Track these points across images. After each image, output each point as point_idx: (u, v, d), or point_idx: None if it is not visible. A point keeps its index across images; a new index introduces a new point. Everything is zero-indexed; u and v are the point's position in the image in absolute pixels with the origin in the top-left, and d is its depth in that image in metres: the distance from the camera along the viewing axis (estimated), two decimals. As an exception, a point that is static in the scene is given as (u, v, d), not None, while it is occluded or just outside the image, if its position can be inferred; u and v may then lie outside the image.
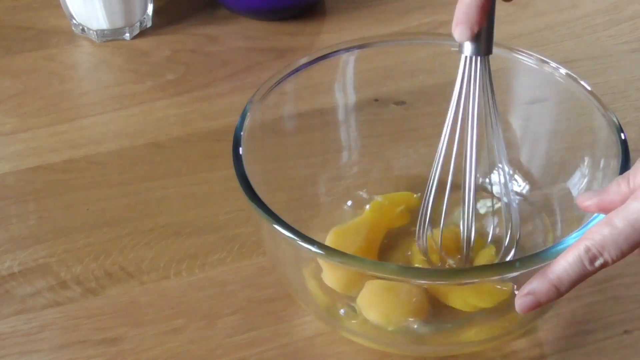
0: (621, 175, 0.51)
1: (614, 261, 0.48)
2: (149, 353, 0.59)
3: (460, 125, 0.57)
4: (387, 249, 0.62)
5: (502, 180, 0.60)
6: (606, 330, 0.60)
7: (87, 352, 0.59)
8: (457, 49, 0.56)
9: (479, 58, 0.56)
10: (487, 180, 0.65)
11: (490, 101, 0.57)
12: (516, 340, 0.59)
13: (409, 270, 0.54)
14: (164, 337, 0.60)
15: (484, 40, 0.56)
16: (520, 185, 0.66)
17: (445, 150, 0.57)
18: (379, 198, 0.64)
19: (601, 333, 0.60)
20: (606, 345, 0.60)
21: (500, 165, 0.59)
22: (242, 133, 0.58)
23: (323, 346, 0.60)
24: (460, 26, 0.55)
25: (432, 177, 0.58)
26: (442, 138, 0.57)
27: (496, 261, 0.59)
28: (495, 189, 0.64)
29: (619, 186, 0.50)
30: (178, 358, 0.59)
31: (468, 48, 0.56)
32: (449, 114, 0.57)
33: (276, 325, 0.61)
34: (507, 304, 0.55)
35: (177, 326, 0.61)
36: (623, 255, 0.48)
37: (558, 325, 0.61)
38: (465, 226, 0.58)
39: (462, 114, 0.56)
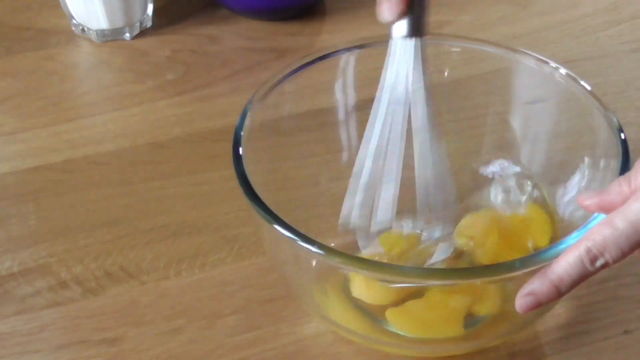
0: (622, 176, 0.51)
1: (614, 261, 0.48)
2: (149, 353, 0.59)
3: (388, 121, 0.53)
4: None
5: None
6: (606, 330, 0.60)
7: (87, 352, 0.59)
8: (401, 36, 0.52)
9: (410, 40, 0.52)
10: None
11: (423, 89, 0.53)
12: (516, 341, 0.59)
13: (409, 270, 0.54)
14: (164, 337, 0.60)
15: (415, 19, 0.52)
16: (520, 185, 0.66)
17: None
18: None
19: (601, 333, 0.60)
20: (606, 345, 0.60)
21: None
22: (242, 133, 0.58)
23: (323, 346, 0.60)
24: (384, 3, 0.51)
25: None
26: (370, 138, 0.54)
27: None
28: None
29: (620, 186, 0.50)
30: (178, 358, 0.59)
31: (397, 29, 0.52)
32: (376, 106, 0.53)
33: (276, 325, 0.61)
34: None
35: (177, 326, 0.61)
36: (624, 255, 0.48)
37: (558, 325, 0.61)
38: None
39: (392, 106, 0.53)
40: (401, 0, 0.51)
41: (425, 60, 0.53)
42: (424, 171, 0.54)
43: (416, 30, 0.52)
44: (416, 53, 0.53)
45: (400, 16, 0.52)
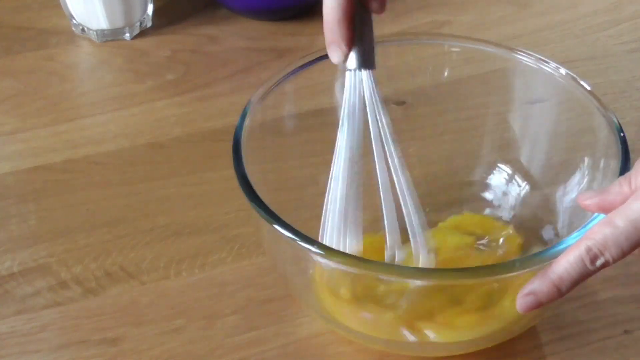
0: (622, 176, 0.51)
1: (614, 261, 0.48)
2: (149, 353, 0.59)
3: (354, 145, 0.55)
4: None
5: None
6: (606, 330, 0.60)
7: (87, 352, 0.59)
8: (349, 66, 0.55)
9: (363, 72, 0.55)
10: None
11: (381, 117, 0.55)
12: (516, 341, 0.59)
13: (408, 269, 0.54)
14: (164, 337, 0.60)
15: (362, 54, 0.55)
16: (520, 185, 0.66)
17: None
18: None
19: (601, 333, 0.60)
20: (606, 345, 0.60)
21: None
22: (242, 133, 0.58)
23: (323, 346, 0.60)
24: (331, 46, 0.55)
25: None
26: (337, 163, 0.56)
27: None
28: None
29: (620, 186, 0.50)
30: (178, 358, 0.59)
31: (350, 62, 0.55)
32: (340, 135, 0.55)
33: (276, 325, 0.61)
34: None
35: (177, 326, 0.61)
36: (624, 255, 0.48)
37: (558, 325, 0.61)
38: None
39: (354, 133, 0.55)
40: (343, 43, 0.54)
41: (376, 88, 0.55)
42: (388, 196, 0.56)
43: (364, 63, 0.55)
44: (368, 83, 0.55)
45: (346, 57, 0.55)
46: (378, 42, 0.59)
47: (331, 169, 0.56)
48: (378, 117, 0.55)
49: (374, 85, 0.55)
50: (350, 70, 0.55)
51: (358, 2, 0.55)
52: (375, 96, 0.55)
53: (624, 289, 0.63)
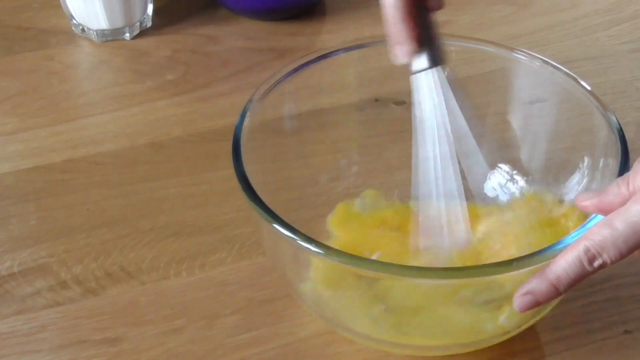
0: (621, 177, 0.51)
1: (612, 262, 0.48)
2: (149, 353, 0.59)
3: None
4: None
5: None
6: (606, 330, 0.60)
7: (87, 352, 0.59)
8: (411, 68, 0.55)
9: (431, 71, 0.55)
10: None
11: (458, 110, 0.55)
12: (516, 341, 0.59)
13: (408, 270, 0.54)
14: (164, 337, 0.60)
15: (429, 51, 0.54)
16: (520, 184, 0.66)
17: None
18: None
19: (601, 333, 0.60)
20: (606, 345, 0.60)
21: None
22: (241, 132, 0.58)
23: (323, 346, 0.60)
24: (396, 47, 0.54)
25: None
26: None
27: None
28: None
29: (618, 188, 0.50)
30: (178, 358, 0.59)
31: (420, 62, 0.54)
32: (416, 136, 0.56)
33: (276, 325, 0.61)
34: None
35: (177, 326, 0.61)
36: (622, 256, 0.48)
37: (558, 325, 0.61)
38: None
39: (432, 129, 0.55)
40: (410, 41, 0.53)
41: (453, 85, 0.55)
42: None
43: (434, 61, 0.54)
44: (442, 80, 0.55)
45: (414, 55, 0.54)
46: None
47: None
48: (455, 110, 0.55)
49: (448, 79, 0.55)
50: (419, 70, 0.55)
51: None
52: (452, 89, 0.55)
53: (624, 289, 0.63)
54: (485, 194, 0.65)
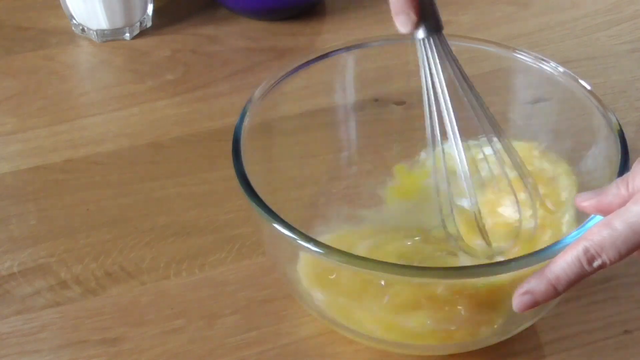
0: (620, 178, 0.51)
1: (611, 263, 0.48)
2: (149, 353, 0.59)
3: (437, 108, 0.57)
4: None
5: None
6: (606, 330, 0.60)
7: (87, 352, 0.59)
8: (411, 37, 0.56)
9: (432, 38, 0.56)
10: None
11: (460, 75, 0.57)
12: (516, 341, 0.59)
13: (407, 269, 0.54)
14: (164, 337, 0.60)
15: (430, 19, 0.56)
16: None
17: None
18: None
19: (601, 333, 0.60)
20: (606, 345, 0.60)
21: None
22: (241, 132, 0.58)
23: (323, 346, 0.60)
24: (399, 16, 0.55)
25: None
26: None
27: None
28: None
29: (618, 189, 0.50)
30: (178, 358, 0.59)
31: (420, 31, 0.56)
32: (426, 104, 0.57)
33: (276, 325, 0.61)
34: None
35: (177, 326, 0.61)
36: (621, 257, 0.48)
37: (558, 325, 0.61)
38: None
39: (435, 96, 0.57)
40: (412, 12, 0.55)
41: (449, 50, 0.57)
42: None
43: (433, 29, 0.56)
44: (442, 47, 0.57)
45: (416, 26, 0.56)
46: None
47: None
48: (459, 74, 0.57)
49: (448, 47, 0.57)
50: (420, 38, 0.56)
51: None
52: (450, 58, 0.57)
53: (624, 289, 0.63)
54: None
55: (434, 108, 0.57)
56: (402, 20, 0.55)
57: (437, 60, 0.56)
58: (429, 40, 0.56)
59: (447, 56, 0.57)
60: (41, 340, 0.60)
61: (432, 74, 0.57)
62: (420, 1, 0.55)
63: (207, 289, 0.63)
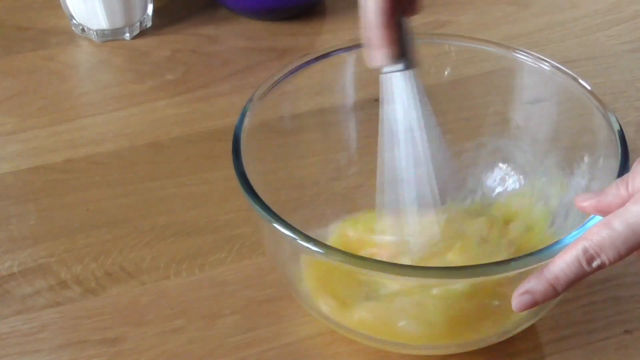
0: (620, 178, 0.51)
1: (611, 263, 0.48)
2: (149, 353, 0.59)
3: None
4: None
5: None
6: (606, 330, 0.60)
7: (87, 352, 0.59)
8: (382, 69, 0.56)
9: (405, 73, 0.56)
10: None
11: (425, 113, 0.57)
12: (516, 341, 0.59)
13: (406, 269, 0.54)
14: (164, 337, 0.60)
15: (404, 55, 0.56)
16: (519, 184, 0.66)
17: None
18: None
19: (601, 333, 0.60)
20: (606, 345, 0.60)
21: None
22: (241, 131, 0.58)
23: (323, 346, 0.60)
24: (376, 52, 0.55)
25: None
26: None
27: None
28: None
29: (617, 189, 0.50)
30: (178, 358, 0.59)
31: (393, 66, 0.56)
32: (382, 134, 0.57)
33: (276, 325, 0.61)
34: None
35: (177, 326, 0.61)
36: (620, 257, 0.48)
37: (558, 325, 0.61)
38: None
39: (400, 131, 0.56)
40: (390, 45, 0.55)
41: (422, 88, 0.56)
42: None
43: (410, 63, 0.56)
44: (415, 83, 0.56)
45: (394, 60, 0.55)
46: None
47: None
48: (425, 112, 0.56)
49: (419, 83, 0.56)
50: (392, 72, 0.56)
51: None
52: (422, 93, 0.56)
53: (623, 289, 0.63)
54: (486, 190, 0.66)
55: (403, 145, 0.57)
56: (379, 55, 0.55)
57: (413, 95, 0.56)
58: (402, 75, 0.56)
59: (421, 93, 0.56)
60: (41, 340, 0.60)
61: (402, 109, 0.56)
62: (400, 36, 0.55)
63: (207, 289, 0.63)
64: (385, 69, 0.56)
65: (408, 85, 0.56)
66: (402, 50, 0.55)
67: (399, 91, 0.56)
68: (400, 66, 0.56)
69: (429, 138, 0.56)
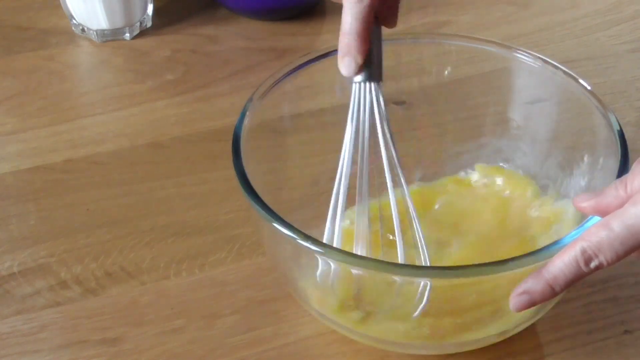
0: (619, 179, 0.51)
1: (609, 264, 0.48)
2: (149, 353, 0.59)
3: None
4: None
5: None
6: (606, 330, 0.60)
7: (87, 352, 0.59)
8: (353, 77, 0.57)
9: (371, 84, 0.56)
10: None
11: (385, 128, 0.57)
12: (516, 341, 0.59)
13: (406, 268, 0.54)
14: (164, 337, 0.60)
15: (372, 67, 0.56)
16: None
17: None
18: None
19: (601, 333, 0.60)
20: (606, 345, 0.60)
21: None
22: (241, 131, 0.58)
23: (323, 346, 0.60)
24: (345, 58, 0.55)
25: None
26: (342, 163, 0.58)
27: None
28: None
29: (616, 190, 0.50)
30: (178, 358, 0.59)
31: (360, 75, 0.56)
32: (345, 142, 0.57)
33: (276, 325, 0.61)
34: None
35: (177, 326, 0.61)
36: (618, 258, 0.48)
37: (558, 325, 0.61)
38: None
39: (358, 142, 0.57)
40: (360, 56, 0.55)
41: (382, 100, 0.57)
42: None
43: (375, 76, 0.57)
44: (375, 95, 0.57)
45: (359, 71, 0.56)
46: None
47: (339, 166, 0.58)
48: (382, 127, 0.57)
49: (381, 97, 0.57)
50: (357, 82, 0.56)
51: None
52: (381, 107, 0.57)
53: (623, 289, 0.63)
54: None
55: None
56: (347, 62, 0.55)
57: (370, 106, 0.56)
58: (365, 85, 0.56)
59: (379, 107, 0.57)
60: (41, 340, 0.60)
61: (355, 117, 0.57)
62: (370, 48, 0.55)
63: (207, 289, 0.63)
64: (352, 78, 0.57)
65: (368, 96, 0.56)
66: (370, 62, 0.56)
67: (357, 100, 0.57)
68: (363, 77, 0.56)
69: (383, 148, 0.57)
